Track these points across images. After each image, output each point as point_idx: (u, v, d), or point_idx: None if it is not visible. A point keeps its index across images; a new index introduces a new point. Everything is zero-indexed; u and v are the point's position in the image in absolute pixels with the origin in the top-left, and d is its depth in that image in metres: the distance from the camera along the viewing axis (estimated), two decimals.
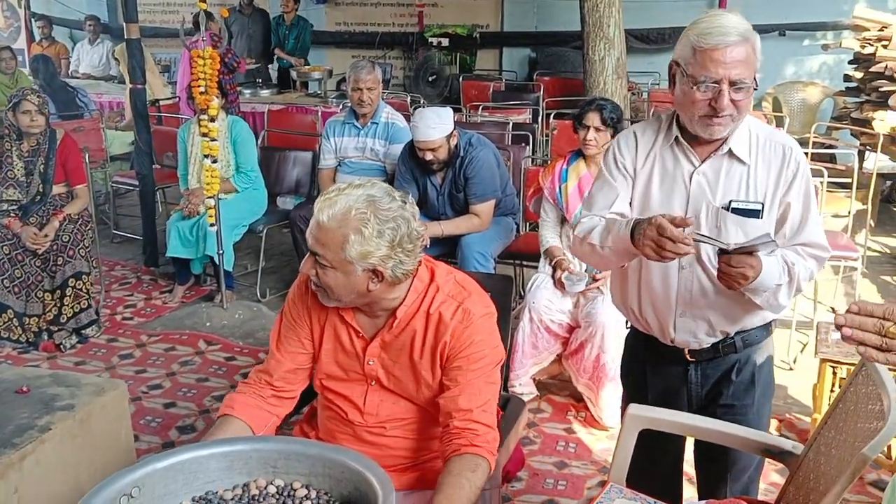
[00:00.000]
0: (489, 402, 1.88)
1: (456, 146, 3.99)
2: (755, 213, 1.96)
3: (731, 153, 1.98)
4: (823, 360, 3.19)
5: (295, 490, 1.64)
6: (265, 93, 8.02)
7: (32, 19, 10.11)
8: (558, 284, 3.59)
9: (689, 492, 2.58)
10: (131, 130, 6.25)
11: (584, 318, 3.50)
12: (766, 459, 2.26)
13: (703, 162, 2.00)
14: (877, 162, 5.65)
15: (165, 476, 1.61)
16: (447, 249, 4.05)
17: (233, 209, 4.65)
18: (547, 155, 5.93)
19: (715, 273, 1.92)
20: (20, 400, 2.36)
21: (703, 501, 1.99)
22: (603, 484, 2.21)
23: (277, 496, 1.63)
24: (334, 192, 1.77)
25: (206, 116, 4.27)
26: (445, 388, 1.88)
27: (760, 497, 2.41)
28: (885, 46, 5.88)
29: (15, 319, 4.16)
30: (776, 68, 8.81)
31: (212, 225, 4.39)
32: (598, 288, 3.53)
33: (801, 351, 4.17)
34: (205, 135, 4.29)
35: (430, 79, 9.48)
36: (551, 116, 6.43)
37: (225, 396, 2.05)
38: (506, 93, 8.04)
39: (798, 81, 8.58)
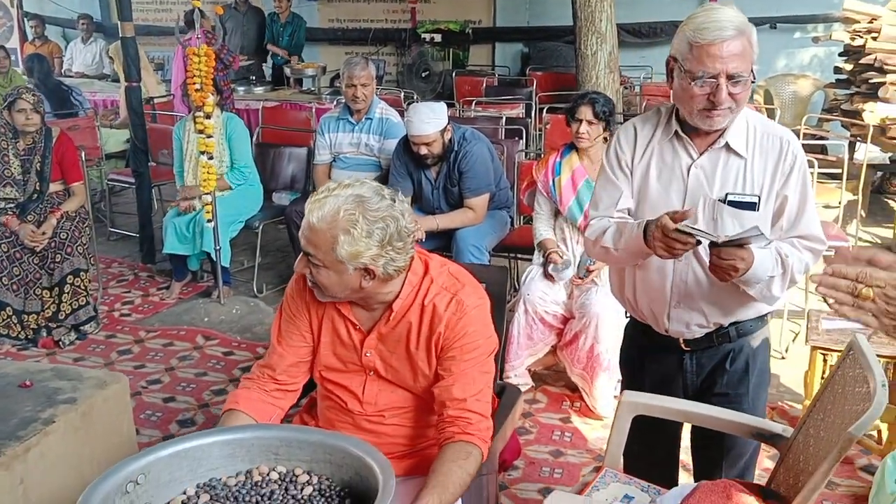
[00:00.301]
0: (483, 392, 1.91)
1: (450, 140, 4.03)
2: (751, 206, 1.99)
3: (728, 147, 2.01)
4: (814, 348, 3.25)
5: (297, 476, 1.68)
6: (259, 90, 8.05)
7: (25, 18, 10.11)
8: (549, 275, 3.63)
9: (685, 479, 2.62)
10: (126, 128, 6.28)
11: (579, 309, 3.54)
12: (762, 447, 2.31)
13: (700, 155, 2.04)
14: (867, 153, 5.71)
15: (170, 463, 1.65)
16: (442, 243, 4.09)
17: (229, 205, 4.69)
18: (540, 149, 5.98)
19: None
20: (23, 394, 2.40)
21: (696, 483, 2.03)
22: (598, 470, 2.25)
23: (280, 482, 1.67)
24: (324, 193, 1.79)
25: (201, 113, 4.30)
26: (440, 378, 1.91)
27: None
28: (874, 38, 5.93)
29: (14, 316, 4.19)
30: (767, 61, 8.85)
31: (209, 221, 4.42)
32: (592, 280, 3.57)
33: (793, 340, 4.22)
34: (200, 131, 4.32)
35: (424, 75, 9.51)
36: (544, 111, 6.48)
37: (227, 391, 2.09)
38: (499, 88, 8.08)
39: (789, 74, 8.62)
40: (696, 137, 2.04)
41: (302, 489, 1.64)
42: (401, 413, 2.02)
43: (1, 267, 4.15)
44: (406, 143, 4.13)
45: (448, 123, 4.01)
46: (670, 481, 2.35)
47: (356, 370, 2.01)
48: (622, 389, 2.33)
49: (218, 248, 4.52)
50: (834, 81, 7.13)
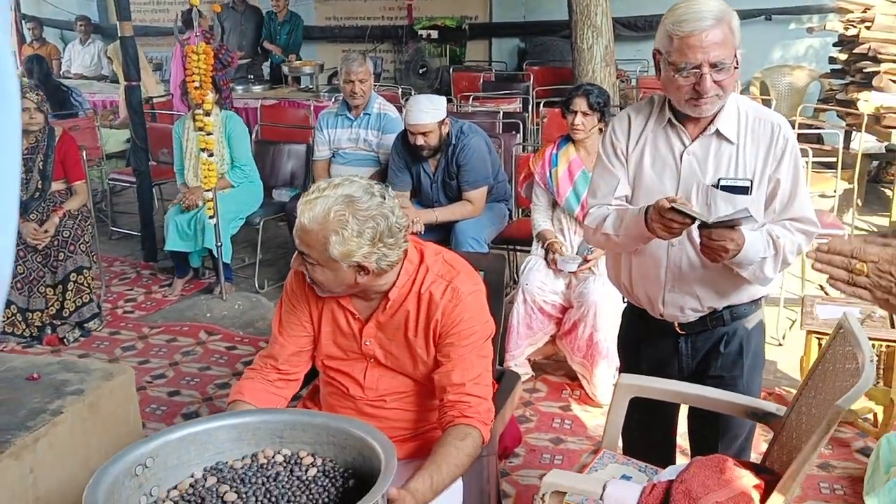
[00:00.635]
0: (481, 375, 1.95)
1: (447, 134, 4.06)
2: (744, 190, 2.03)
3: (718, 133, 2.05)
4: (809, 332, 3.29)
5: (301, 458, 1.71)
6: (257, 88, 8.09)
7: (22, 21, 10.14)
8: (551, 265, 3.67)
9: (682, 461, 2.66)
10: (126, 128, 6.32)
11: (577, 298, 3.58)
12: (758, 431, 2.35)
13: (692, 142, 2.08)
14: (862, 142, 5.74)
15: (178, 447, 1.69)
16: (442, 236, 4.13)
17: (230, 202, 4.73)
18: (538, 143, 6.01)
19: None
20: (31, 386, 2.43)
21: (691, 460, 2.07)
22: (596, 452, 2.29)
23: (285, 464, 1.71)
24: (314, 194, 1.81)
25: (201, 111, 4.34)
26: (439, 364, 1.95)
27: None
28: (868, 28, 5.96)
29: (18, 314, 4.23)
30: (763, 53, 8.89)
31: (210, 217, 4.47)
32: (589, 269, 3.61)
33: (790, 328, 4.26)
34: (200, 129, 4.36)
35: (421, 71, 9.54)
36: (541, 105, 6.51)
37: (231, 385, 2.13)
38: (496, 83, 8.12)
39: (785, 65, 8.65)
40: (688, 124, 2.08)
41: (307, 471, 1.68)
42: (402, 398, 2.06)
43: None
44: (404, 138, 4.17)
45: (446, 117, 4.05)
46: (667, 463, 2.39)
47: (357, 358, 2.05)
48: (619, 373, 2.37)
49: (219, 244, 4.56)
50: (829, 72, 7.17)
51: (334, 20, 11.03)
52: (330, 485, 1.65)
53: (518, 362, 3.71)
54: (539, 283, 3.67)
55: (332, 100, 6.48)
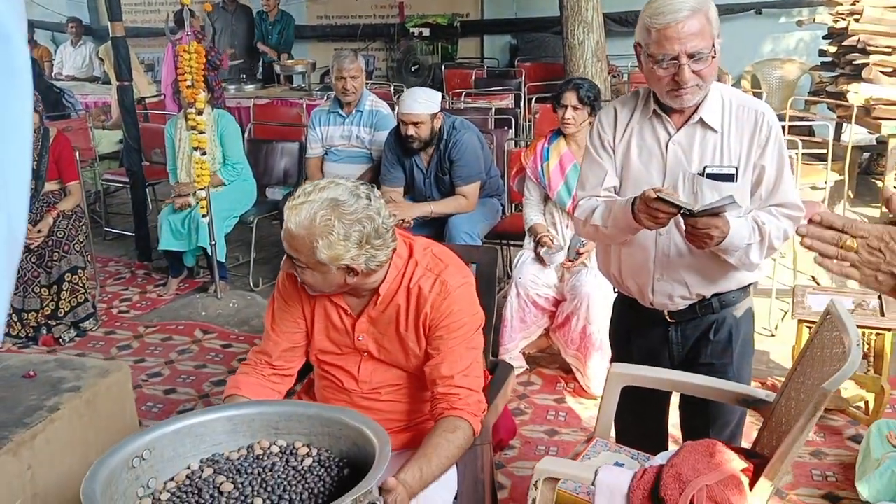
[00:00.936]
0: (471, 367, 1.96)
1: (440, 129, 4.08)
2: (730, 178, 2.06)
3: (702, 122, 2.08)
4: (801, 321, 3.32)
5: (297, 449, 1.73)
6: (249, 88, 8.10)
7: None
8: (541, 259, 3.70)
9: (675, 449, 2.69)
10: (118, 129, 6.33)
11: (570, 291, 3.60)
12: (748, 416, 2.38)
13: (677, 131, 2.10)
14: (852, 134, 5.78)
15: (174, 439, 1.70)
16: (435, 231, 4.15)
17: (223, 200, 4.74)
18: (530, 139, 6.03)
19: None
20: (28, 383, 2.45)
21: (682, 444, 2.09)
22: (589, 441, 2.32)
23: (281, 455, 1.72)
24: (300, 198, 1.81)
25: (193, 110, 4.35)
26: (430, 357, 1.97)
27: None
28: (857, 20, 5.98)
29: (13, 315, 4.23)
30: (754, 46, 8.93)
31: (204, 216, 4.48)
32: (582, 262, 3.64)
33: (782, 319, 4.29)
34: (193, 128, 4.37)
35: (413, 69, 9.56)
36: (533, 101, 6.53)
37: (227, 379, 2.15)
38: (488, 80, 8.14)
39: (776, 59, 8.69)
40: (672, 115, 2.11)
41: (302, 461, 1.69)
42: (396, 390, 2.08)
43: None
44: (397, 133, 4.19)
45: (440, 112, 4.07)
46: (660, 451, 2.42)
47: (350, 352, 2.07)
48: (611, 363, 2.39)
49: (213, 243, 4.58)
50: (819, 64, 7.20)
51: (326, 19, 11.04)
52: (325, 474, 1.67)
53: (512, 356, 3.73)
54: (532, 276, 3.70)
55: (325, 98, 6.50)
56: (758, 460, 1.84)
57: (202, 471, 1.68)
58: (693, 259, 2.12)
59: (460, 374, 1.93)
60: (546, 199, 3.84)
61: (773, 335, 4.13)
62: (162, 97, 7.29)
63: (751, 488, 1.75)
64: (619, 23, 9.30)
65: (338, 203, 1.79)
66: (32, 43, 10.01)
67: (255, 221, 5.03)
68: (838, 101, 6.09)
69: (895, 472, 2.41)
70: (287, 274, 2.07)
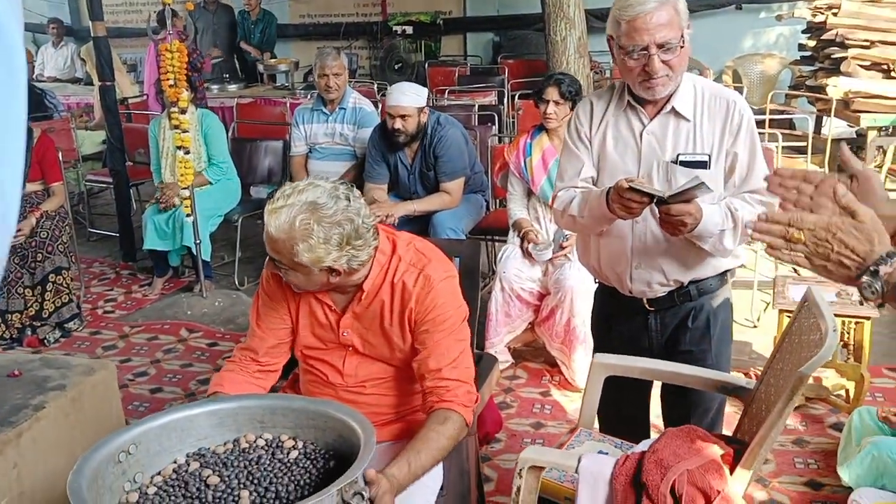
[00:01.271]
0: (458, 359, 1.97)
1: (424, 125, 4.09)
2: (702, 165, 2.10)
3: (675, 111, 2.12)
4: (781, 311, 3.36)
5: (283, 442, 1.75)
6: (233, 87, 8.09)
7: None
8: (527, 254, 3.72)
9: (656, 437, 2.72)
10: (101, 130, 6.30)
11: (554, 285, 3.63)
12: (727, 403, 2.41)
13: (651, 121, 2.14)
14: (831, 127, 5.84)
15: (160, 434, 1.71)
16: (419, 227, 4.15)
17: (208, 199, 4.74)
18: (514, 135, 6.05)
19: None
20: (13, 382, 2.45)
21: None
22: (573, 431, 2.34)
23: (266, 448, 1.73)
24: (279, 201, 1.81)
25: (176, 109, 4.34)
26: (417, 352, 1.98)
27: None
28: (835, 14, 6.05)
29: None
30: (734, 41, 8.99)
31: (188, 215, 4.47)
32: (565, 255, 3.66)
33: (764, 310, 4.33)
34: (176, 127, 4.37)
35: (396, 67, 9.57)
36: (516, 97, 6.56)
37: (212, 376, 2.15)
38: (471, 77, 8.16)
39: (756, 54, 8.74)
40: (646, 105, 2.16)
41: (288, 453, 1.71)
42: (381, 383, 2.09)
43: None
44: (382, 130, 4.20)
45: (426, 106, 4.09)
46: (642, 439, 2.45)
47: (335, 347, 2.08)
48: (593, 352, 2.42)
49: (198, 242, 4.57)
50: (799, 58, 7.26)
51: (308, 17, 11.03)
52: (311, 466, 1.68)
53: (498, 350, 3.76)
54: (516, 270, 3.72)
55: (308, 97, 6.50)
56: (738, 446, 1.87)
57: (189, 465, 1.69)
58: (669, 246, 2.16)
59: (448, 366, 1.94)
60: (529, 193, 3.87)
61: (755, 326, 4.18)
62: (145, 97, 7.26)
63: (731, 473, 1.78)
64: (600, 19, 9.32)
65: (317, 206, 1.79)
66: None
67: (240, 220, 5.02)
68: (818, 95, 6.16)
69: (875, 456, 2.44)
70: (271, 271, 2.08)
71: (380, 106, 5.39)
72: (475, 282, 2.39)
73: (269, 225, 1.81)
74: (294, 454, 1.71)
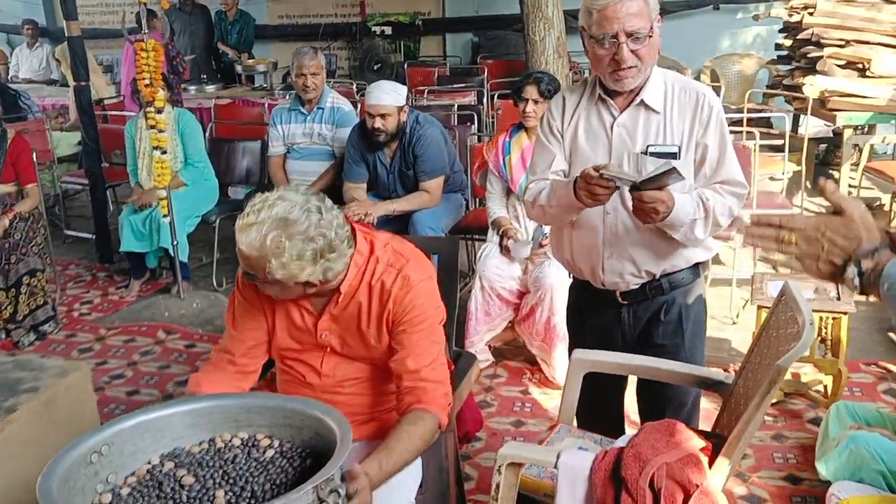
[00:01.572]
0: (436, 360, 1.96)
1: (404, 123, 4.07)
2: (672, 156, 2.13)
3: (644, 104, 2.14)
4: (760, 307, 3.37)
5: (258, 440, 1.72)
6: (210, 88, 8.03)
7: None
8: (506, 252, 3.71)
9: (632, 431, 2.72)
10: (77, 131, 6.23)
11: (533, 283, 3.62)
12: (702, 397, 2.41)
13: (621, 113, 2.17)
14: (808, 126, 5.88)
15: (133, 434, 1.68)
16: (399, 226, 4.13)
17: (185, 200, 4.70)
18: (493, 134, 6.05)
19: None
20: None
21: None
22: (552, 428, 2.33)
23: (242, 447, 1.71)
24: (250, 217, 1.76)
25: (152, 108, 4.30)
26: (394, 352, 1.96)
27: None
28: (810, 14, 6.09)
29: None
30: (712, 42, 9.04)
31: (165, 216, 4.43)
32: (545, 252, 3.66)
33: (743, 307, 4.35)
34: (153, 126, 4.33)
35: (375, 67, 9.54)
36: (496, 97, 6.56)
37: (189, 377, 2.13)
38: (451, 77, 8.15)
39: (734, 53, 8.79)
40: (616, 98, 2.18)
41: (264, 452, 1.68)
42: (358, 383, 2.07)
43: None
44: (361, 129, 4.18)
45: (405, 105, 4.07)
46: (618, 433, 2.45)
47: (313, 348, 2.06)
48: (569, 347, 2.43)
49: (175, 243, 4.53)
50: (776, 58, 7.31)
51: (287, 18, 10.97)
52: (288, 465, 1.66)
53: (478, 349, 3.74)
54: (496, 269, 3.71)
55: (286, 97, 6.46)
56: (717, 440, 1.87)
57: (163, 465, 1.67)
58: (640, 236, 2.18)
59: (426, 367, 1.93)
60: (508, 192, 3.86)
61: (734, 323, 4.19)
62: (121, 98, 7.20)
63: (710, 467, 1.78)
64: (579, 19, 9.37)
65: (288, 222, 1.75)
66: None
67: (218, 221, 4.98)
68: (795, 94, 6.19)
69: (853, 450, 2.46)
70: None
71: (359, 106, 5.36)
72: (454, 279, 2.39)
73: (239, 242, 1.77)
74: (270, 453, 1.69)
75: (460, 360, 2.35)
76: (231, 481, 1.61)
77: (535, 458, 1.87)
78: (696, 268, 2.29)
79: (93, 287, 5.15)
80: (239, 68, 8.33)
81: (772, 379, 1.65)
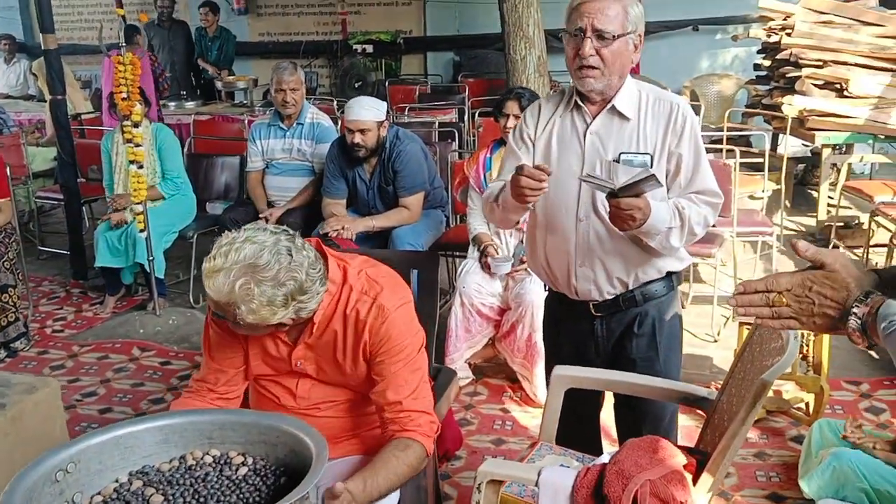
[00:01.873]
0: (418, 389, 1.91)
1: (384, 138, 4.05)
2: (644, 164, 2.12)
3: (616, 111, 2.15)
4: (742, 325, 3.36)
5: (231, 458, 1.67)
6: (190, 104, 7.97)
7: None
8: (486, 268, 3.68)
9: (609, 447, 2.69)
10: (53, 146, 6.14)
11: (514, 300, 3.59)
12: (682, 414, 2.39)
13: (594, 120, 2.17)
14: (787, 145, 5.92)
15: (101, 451, 1.63)
16: (379, 243, 4.10)
17: (162, 215, 4.63)
18: (474, 151, 6.04)
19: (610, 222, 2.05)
20: None
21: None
22: (533, 445, 2.29)
23: (214, 465, 1.66)
24: (217, 260, 1.70)
25: (129, 122, 4.25)
26: (374, 383, 1.92)
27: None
28: (788, 34, 6.15)
29: None
30: (691, 62, 9.13)
31: (141, 231, 4.37)
32: (525, 269, 3.63)
33: (724, 325, 4.34)
34: (129, 140, 4.27)
35: (357, 85, 9.53)
36: (476, 115, 6.55)
37: (166, 400, 2.08)
38: (432, 95, 8.16)
39: (713, 74, 8.87)
40: (589, 105, 2.19)
41: (237, 470, 1.64)
42: (334, 406, 2.03)
43: None
44: (340, 145, 4.14)
45: (385, 120, 4.04)
46: (595, 448, 2.43)
47: (288, 374, 2.01)
48: (546, 359, 2.40)
49: (151, 258, 4.46)
50: (755, 78, 7.37)
51: (268, 36, 10.96)
52: (261, 483, 1.61)
53: (458, 366, 3.70)
54: (476, 285, 3.68)
55: (265, 113, 6.42)
56: (700, 457, 1.84)
57: (131, 483, 1.62)
58: (613, 245, 2.18)
59: (408, 398, 1.89)
60: None
61: (715, 340, 4.18)
62: (99, 113, 7.12)
63: (694, 484, 1.74)
64: (561, 39, 9.42)
65: (256, 268, 1.69)
66: None
67: (195, 237, 4.92)
68: (774, 113, 6.24)
69: (836, 468, 2.43)
70: None
71: (339, 122, 5.34)
72: (434, 295, 2.35)
73: (207, 287, 1.71)
74: (243, 471, 1.64)
75: (440, 376, 2.31)
76: (202, 500, 1.56)
77: (515, 475, 1.83)
78: (670, 280, 2.27)
79: (66, 303, 5.06)
80: (219, 85, 8.29)
81: (756, 393, 1.63)
